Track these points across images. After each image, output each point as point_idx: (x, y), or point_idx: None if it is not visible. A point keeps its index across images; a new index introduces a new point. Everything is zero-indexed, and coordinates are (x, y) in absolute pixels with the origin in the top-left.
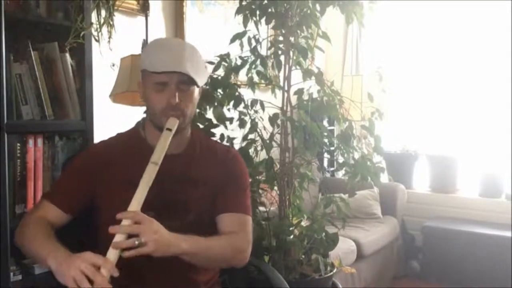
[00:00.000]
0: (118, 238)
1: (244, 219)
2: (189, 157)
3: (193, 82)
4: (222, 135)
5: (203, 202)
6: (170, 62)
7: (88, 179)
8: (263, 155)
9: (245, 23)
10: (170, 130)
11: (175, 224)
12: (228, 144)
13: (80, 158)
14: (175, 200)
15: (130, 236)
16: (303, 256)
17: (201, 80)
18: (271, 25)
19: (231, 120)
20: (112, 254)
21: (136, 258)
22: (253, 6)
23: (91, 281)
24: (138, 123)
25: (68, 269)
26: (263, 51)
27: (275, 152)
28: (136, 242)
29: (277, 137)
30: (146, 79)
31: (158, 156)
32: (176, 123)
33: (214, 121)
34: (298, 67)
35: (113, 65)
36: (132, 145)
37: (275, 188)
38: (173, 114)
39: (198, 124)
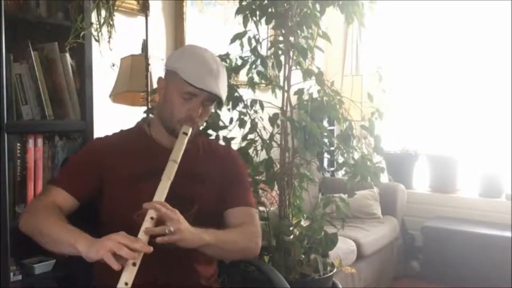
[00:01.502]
0: (146, 225)
1: (251, 212)
2: (193, 155)
3: (218, 100)
4: (217, 136)
5: (207, 196)
6: (209, 81)
7: (94, 169)
8: (263, 155)
9: (245, 23)
10: (186, 134)
11: None
12: (224, 143)
13: (86, 149)
14: (181, 193)
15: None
16: (303, 256)
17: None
18: (271, 25)
19: (224, 127)
20: (142, 239)
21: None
22: (253, 6)
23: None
24: (138, 124)
25: (103, 243)
26: (263, 51)
27: (275, 152)
28: (167, 230)
29: (277, 137)
30: (174, 82)
31: (176, 154)
32: (190, 129)
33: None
34: (298, 67)
35: (113, 65)
36: (138, 141)
37: (275, 188)
38: (188, 124)
39: None
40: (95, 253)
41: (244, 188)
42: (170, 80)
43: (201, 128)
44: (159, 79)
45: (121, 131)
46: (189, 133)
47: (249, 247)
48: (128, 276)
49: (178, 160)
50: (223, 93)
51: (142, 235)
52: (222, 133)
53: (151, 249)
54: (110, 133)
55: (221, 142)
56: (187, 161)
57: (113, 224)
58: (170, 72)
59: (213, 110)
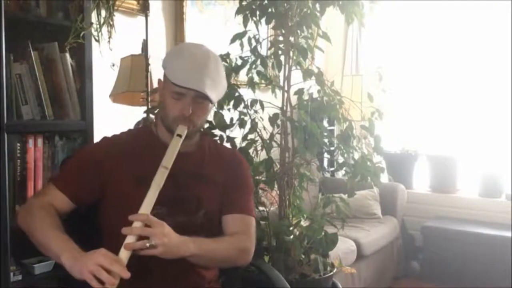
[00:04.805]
0: (130, 239)
1: (248, 221)
2: (200, 156)
3: (209, 98)
4: (221, 136)
5: (213, 199)
6: (191, 78)
7: (98, 171)
8: (263, 155)
9: (245, 23)
10: (180, 136)
11: (185, 219)
12: (229, 144)
13: (91, 149)
14: (187, 195)
15: (141, 237)
16: (303, 256)
17: (218, 96)
18: (271, 25)
19: (231, 126)
20: (124, 254)
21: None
22: (253, 6)
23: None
24: (138, 123)
25: (86, 263)
26: (263, 51)
27: (275, 152)
28: (147, 244)
29: (277, 137)
30: (166, 83)
31: (168, 160)
32: (185, 130)
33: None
34: (298, 67)
35: (113, 65)
36: (145, 141)
37: (275, 188)
38: (184, 123)
39: None
40: (77, 273)
41: (244, 194)
42: (164, 81)
43: (206, 126)
44: (159, 80)
45: (129, 130)
46: (184, 135)
47: (239, 257)
48: None
49: (169, 167)
50: (209, 87)
51: (123, 250)
52: (223, 133)
53: (128, 275)
54: (110, 133)
55: (225, 143)
56: (193, 163)
57: (115, 225)
58: (164, 73)
59: (214, 109)
